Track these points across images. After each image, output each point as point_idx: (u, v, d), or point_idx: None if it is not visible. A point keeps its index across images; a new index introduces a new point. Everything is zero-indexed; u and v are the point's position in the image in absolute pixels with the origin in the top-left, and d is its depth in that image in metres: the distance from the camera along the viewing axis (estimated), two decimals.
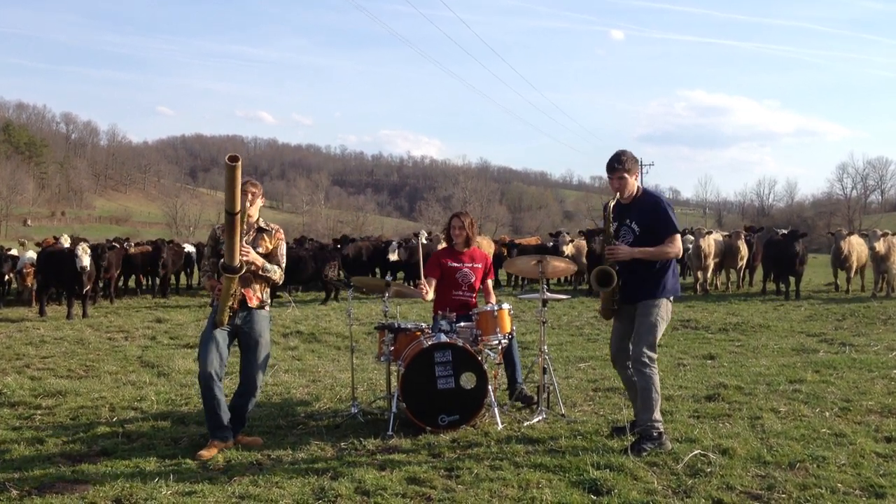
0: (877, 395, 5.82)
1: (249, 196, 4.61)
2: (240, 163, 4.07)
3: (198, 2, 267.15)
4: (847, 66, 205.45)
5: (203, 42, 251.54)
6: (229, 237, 4.29)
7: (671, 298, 4.70)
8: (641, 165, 52.85)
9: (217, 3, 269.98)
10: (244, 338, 4.78)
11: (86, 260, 11.65)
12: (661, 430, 4.54)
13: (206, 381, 4.59)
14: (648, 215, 4.63)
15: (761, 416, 5.25)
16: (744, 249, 15.60)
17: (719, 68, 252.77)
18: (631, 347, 4.65)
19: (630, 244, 4.64)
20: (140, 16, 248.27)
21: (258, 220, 4.84)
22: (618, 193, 4.71)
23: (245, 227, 4.58)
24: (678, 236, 4.63)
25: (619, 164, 4.65)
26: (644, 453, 4.37)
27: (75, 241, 15.09)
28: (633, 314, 4.70)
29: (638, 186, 4.77)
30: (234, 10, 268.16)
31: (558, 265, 5.71)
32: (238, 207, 4.16)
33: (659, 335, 4.62)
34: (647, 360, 4.54)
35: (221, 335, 4.67)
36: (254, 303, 4.78)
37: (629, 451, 4.37)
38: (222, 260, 4.47)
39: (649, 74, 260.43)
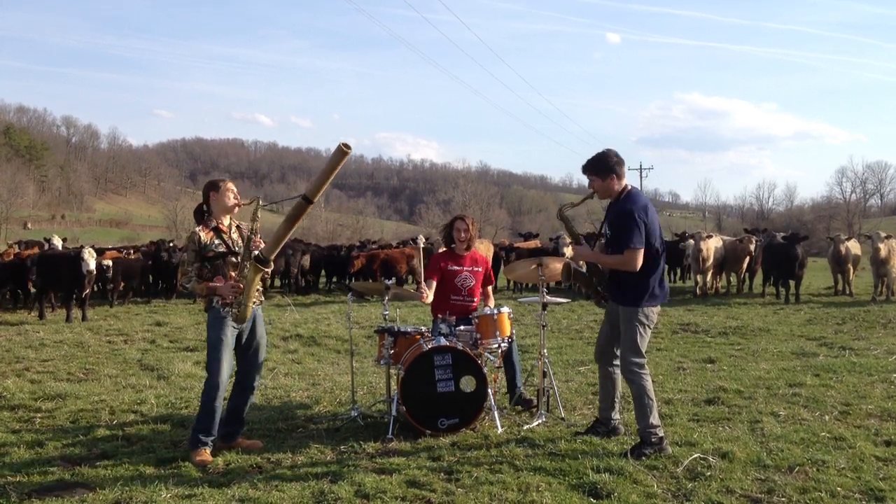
0: (876, 399, 5.82)
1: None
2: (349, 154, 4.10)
3: (197, 5, 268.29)
4: (845, 69, 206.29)
5: (201, 44, 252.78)
6: (288, 225, 4.28)
7: (656, 306, 4.59)
8: (640, 169, 52.64)
9: (216, 5, 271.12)
10: (247, 338, 4.75)
11: (92, 263, 11.67)
12: (661, 434, 4.52)
13: (218, 391, 4.55)
14: (616, 222, 4.56)
15: (761, 419, 5.25)
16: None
17: (715, 72, 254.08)
18: (619, 355, 4.66)
19: (603, 246, 4.70)
20: (139, 19, 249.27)
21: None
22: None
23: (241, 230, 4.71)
24: (637, 252, 4.39)
25: (588, 165, 4.63)
26: (644, 458, 4.38)
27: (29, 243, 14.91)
28: (616, 313, 4.69)
29: (625, 188, 4.61)
30: (233, 13, 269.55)
31: (557, 266, 5.60)
32: (317, 197, 4.19)
33: (644, 341, 4.55)
34: (635, 368, 4.52)
35: (232, 341, 4.63)
36: (257, 301, 4.79)
37: (629, 455, 4.37)
38: (257, 252, 4.48)
39: (646, 78, 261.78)
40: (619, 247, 4.50)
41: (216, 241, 4.62)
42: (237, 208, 4.75)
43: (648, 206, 4.55)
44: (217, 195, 4.69)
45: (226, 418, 4.80)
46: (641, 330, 4.52)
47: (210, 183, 4.80)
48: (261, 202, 4.64)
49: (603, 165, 4.57)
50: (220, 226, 4.69)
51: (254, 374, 4.84)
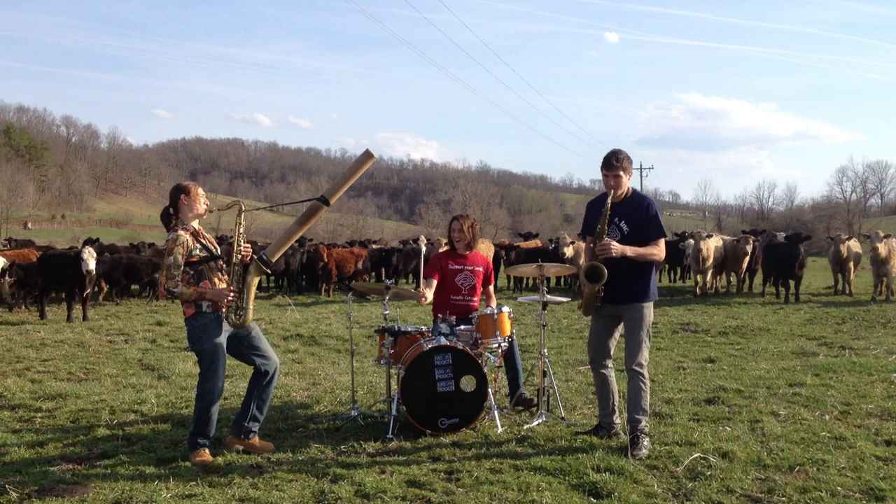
0: (876, 399, 5.82)
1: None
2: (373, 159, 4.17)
3: (195, 5, 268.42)
4: (843, 69, 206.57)
5: (200, 44, 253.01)
6: (298, 226, 4.27)
7: (653, 302, 4.80)
8: (641, 168, 53.53)
9: (214, 6, 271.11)
10: (242, 333, 4.67)
11: (92, 263, 11.67)
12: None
13: (218, 397, 4.56)
14: (638, 216, 4.65)
15: (761, 419, 5.25)
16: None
17: (714, 72, 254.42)
18: (627, 353, 4.70)
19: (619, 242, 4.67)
20: (138, 19, 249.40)
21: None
22: (612, 191, 4.62)
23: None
24: (663, 240, 4.71)
25: (618, 161, 4.62)
26: (644, 450, 4.44)
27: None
28: (615, 315, 4.77)
29: (630, 187, 4.78)
30: (232, 13, 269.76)
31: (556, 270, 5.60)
32: (334, 200, 4.19)
33: (650, 337, 4.78)
34: (644, 363, 4.66)
35: (225, 344, 4.61)
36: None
37: (631, 456, 4.38)
38: (263, 254, 4.45)
39: (645, 77, 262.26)
40: (644, 238, 4.63)
41: (197, 246, 4.54)
42: (208, 213, 4.69)
43: None
44: (188, 199, 4.58)
45: (250, 415, 4.72)
46: (649, 326, 4.72)
47: (181, 187, 4.65)
48: (243, 206, 4.54)
49: (628, 160, 4.71)
50: (197, 230, 4.64)
51: (271, 361, 4.75)
